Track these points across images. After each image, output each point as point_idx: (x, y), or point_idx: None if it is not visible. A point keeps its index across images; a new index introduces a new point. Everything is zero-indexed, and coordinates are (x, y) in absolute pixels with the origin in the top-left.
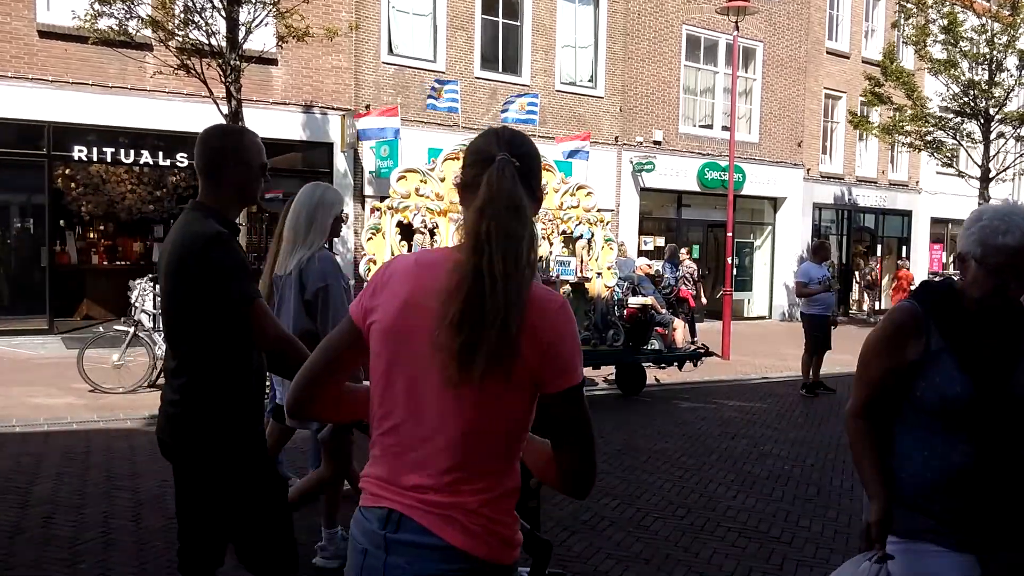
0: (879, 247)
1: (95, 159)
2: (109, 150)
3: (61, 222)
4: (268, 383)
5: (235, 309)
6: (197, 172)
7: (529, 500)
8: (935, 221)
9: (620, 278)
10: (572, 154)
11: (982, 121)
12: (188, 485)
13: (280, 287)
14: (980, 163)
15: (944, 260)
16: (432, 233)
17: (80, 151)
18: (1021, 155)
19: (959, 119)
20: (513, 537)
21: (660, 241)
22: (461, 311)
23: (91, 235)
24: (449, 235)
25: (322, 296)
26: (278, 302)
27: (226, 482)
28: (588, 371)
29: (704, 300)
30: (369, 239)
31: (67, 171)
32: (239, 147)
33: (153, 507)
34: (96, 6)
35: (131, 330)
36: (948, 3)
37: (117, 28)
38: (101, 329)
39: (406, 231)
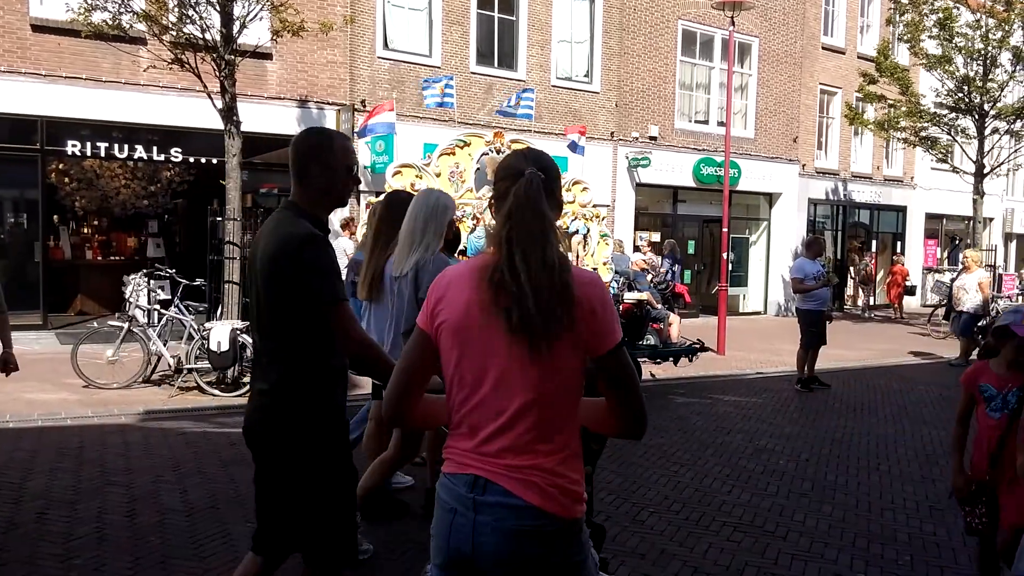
0: (874, 242)
1: (89, 154)
2: (103, 145)
3: (55, 217)
4: None
5: (323, 308)
6: (291, 174)
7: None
8: (930, 216)
9: (616, 272)
10: (572, 146)
11: (976, 117)
12: (270, 470)
13: (395, 287)
14: (974, 159)
15: (939, 255)
16: None
17: (74, 146)
18: (1015, 151)
19: (953, 115)
20: (582, 495)
21: (656, 236)
22: (511, 300)
23: (85, 230)
24: None
25: None
26: (396, 300)
27: (305, 469)
28: None
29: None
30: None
31: (60, 166)
32: (326, 150)
33: (147, 502)
34: (89, 0)
35: (125, 326)
36: None
37: (111, 22)
38: (95, 324)
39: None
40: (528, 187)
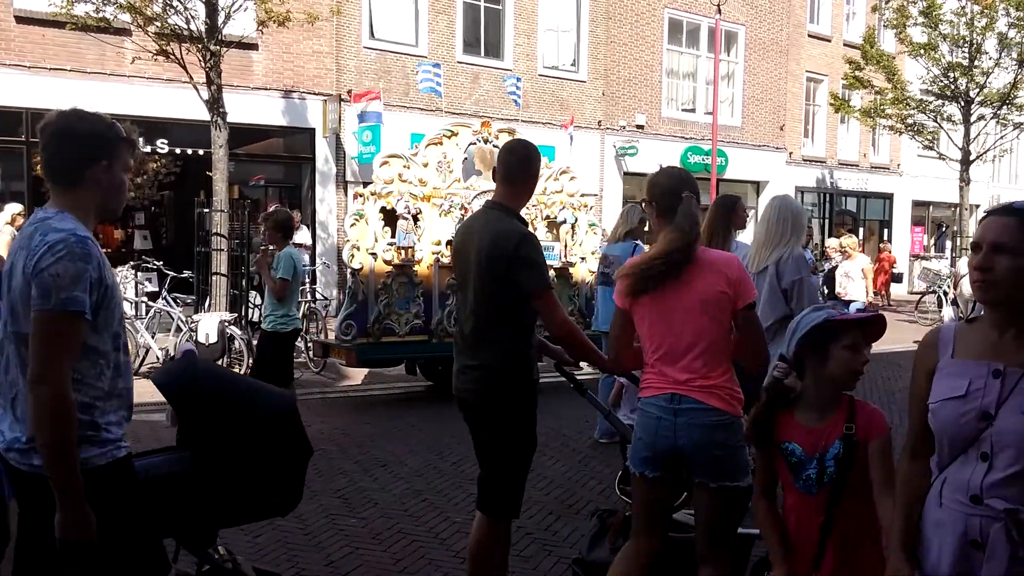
0: (861, 230)
1: None
2: None
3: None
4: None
5: (535, 296)
6: (498, 178)
7: None
8: (916, 204)
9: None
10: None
11: (962, 104)
12: (479, 431)
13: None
14: (960, 146)
15: (925, 242)
16: (416, 219)
17: None
18: (1001, 137)
19: (939, 102)
20: (742, 399)
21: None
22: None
23: None
24: (432, 221)
25: (797, 287)
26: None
27: (503, 431)
28: None
29: None
30: (352, 225)
31: None
32: (534, 160)
33: None
34: None
35: None
36: None
37: (94, 14)
38: None
39: (389, 217)
40: (690, 205)
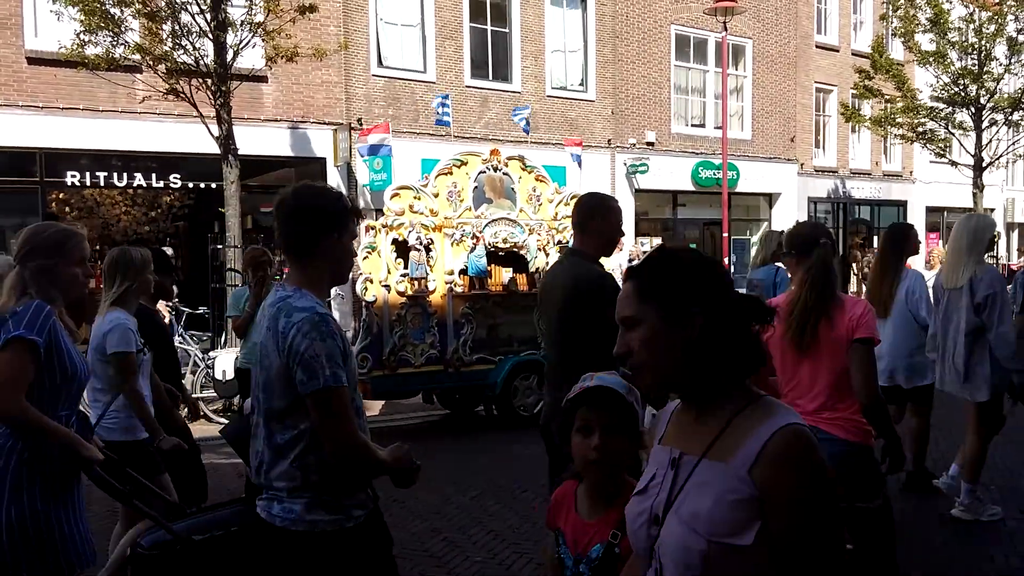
0: (875, 239)
1: (88, 183)
2: (102, 174)
3: None
4: None
5: (612, 333)
6: (573, 225)
7: None
8: (930, 210)
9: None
10: (576, 157)
11: (973, 110)
12: (559, 457)
13: (947, 297)
14: (973, 152)
15: (941, 249)
16: (428, 249)
17: (73, 176)
18: (1014, 142)
19: (950, 109)
20: (870, 430)
21: (657, 241)
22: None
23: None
24: (444, 251)
25: (991, 300)
26: (946, 309)
27: None
28: None
29: None
30: (365, 258)
31: (60, 196)
32: (605, 211)
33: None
34: (82, 35)
35: None
36: None
37: (104, 55)
38: None
39: (401, 248)
40: (827, 254)
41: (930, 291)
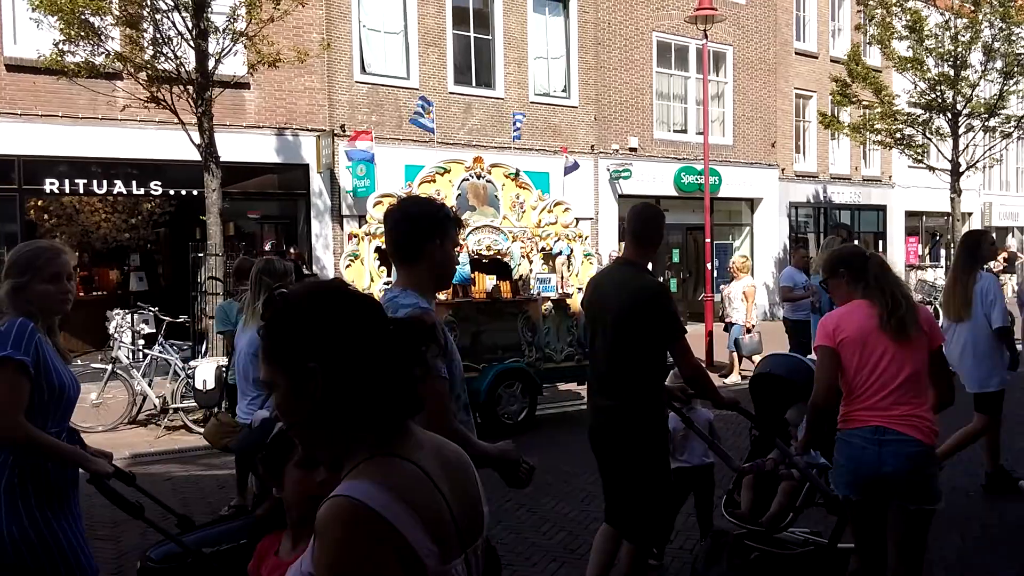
0: (856, 242)
1: (68, 191)
2: (81, 181)
3: None
4: None
5: (672, 342)
6: (629, 235)
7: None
8: (909, 214)
9: None
10: (574, 167)
11: (950, 116)
12: (612, 464)
13: None
14: (950, 157)
15: (920, 252)
16: None
17: (52, 183)
18: (990, 147)
19: (927, 115)
20: (937, 430)
21: None
22: (892, 318)
23: None
24: None
25: None
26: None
27: (636, 464)
28: (573, 386)
29: None
30: (348, 266)
31: (39, 203)
32: (662, 223)
33: (135, 558)
34: (61, 45)
35: (109, 367)
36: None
37: (84, 63)
38: (79, 363)
39: (384, 256)
40: (881, 261)
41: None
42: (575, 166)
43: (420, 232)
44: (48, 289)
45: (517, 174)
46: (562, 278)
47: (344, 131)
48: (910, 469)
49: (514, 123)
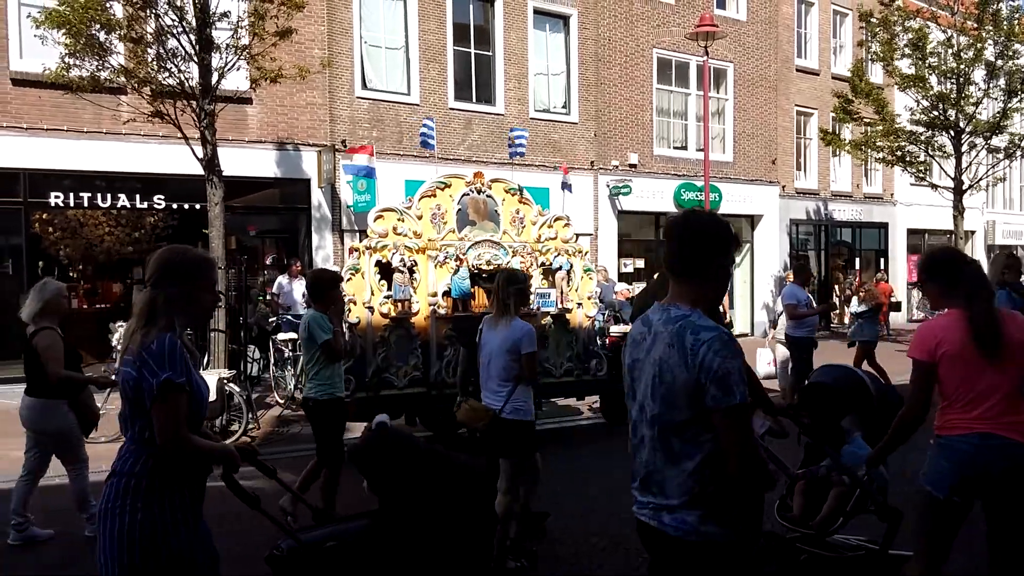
0: (857, 260)
1: (72, 204)
2: (86, 195)
3: (40, 263)
4: None
5: None
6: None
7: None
8: (911, 232)
9: (602, 302)
10: (566, 187)
11: (952, 134)
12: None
13: None
14: (952, 175)
15: None
16: (411, 271)
17: (56, 197)
18: (993, 166)
19: (930, 132)
20: None
21: (640, 263)
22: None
23: (70, 278)
24: (428, 273)
25: None
26: None
27: None
28: (572, 401)
29: None
30: (348, 280)
31: (44, 216)
32: (728, 236)
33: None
34: (67, 59)
35: (112, 377)
36: (914, 18)
37: (89, 78)
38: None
39: (385, 270)
40: (977, 271)
41: None
42: (567, 186)
43: (715, 247)
44: (208, 298)
45: (520, 192)
46: (562, 293)
47: (345, 146)
48: (1015, 471)
49: (512, 141)
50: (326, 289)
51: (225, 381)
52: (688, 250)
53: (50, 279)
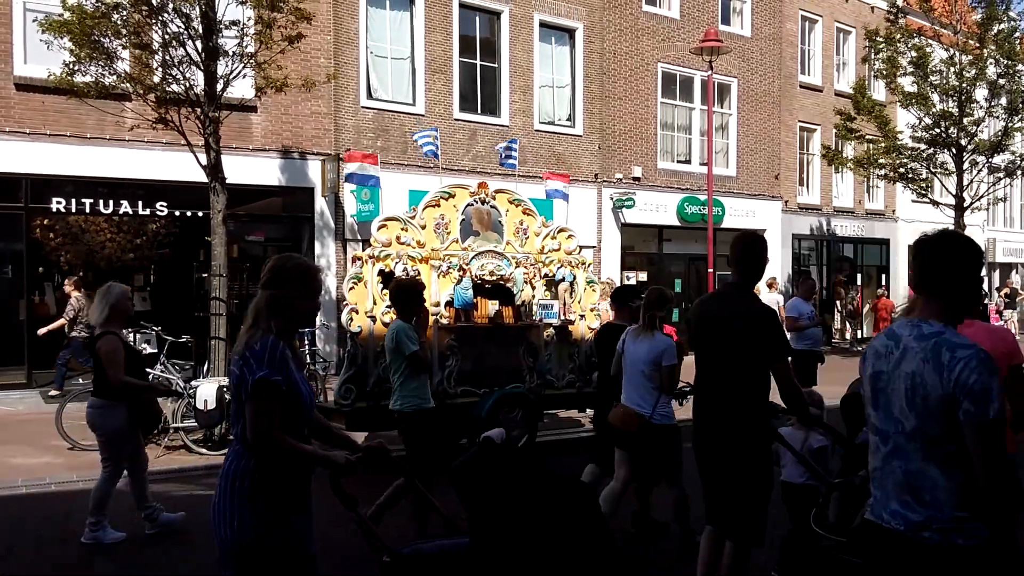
0: (859, 276)
1: (74, 210)
2: (88, 201)
3: (39, 268)
4: None
5: (778, 360)
6: (734, 263)
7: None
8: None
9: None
10: (553, 193)
11: (954, 152)
12: (721, 472)
13: None
14: (954, 193)
15: None
16: None
17: (58, 202)
18: (994, 184)
19: (932, 150)
20: None
21: (643, 276)
22: None
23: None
24: (431, 283)
25: None
26: None
27: (744, 468)
28: (574, 413)
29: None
30: (351, 288)
31: (45, 222)
32: (760, 247)
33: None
34: (72, 65)
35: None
36: (917, 36)
37: (93, 83)
38: (81, 382)
39: (388, 279)
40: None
41: None
42: (557, 194)
43: (965, 266)
44: (310, 305)
45: (524, 203)
46: (564, 304)
47: (346, 155)
48: None
49: (504, 151)
50: (411, 299)
51: (225, 390)
52: (940, 268)
53: (114, 283)
